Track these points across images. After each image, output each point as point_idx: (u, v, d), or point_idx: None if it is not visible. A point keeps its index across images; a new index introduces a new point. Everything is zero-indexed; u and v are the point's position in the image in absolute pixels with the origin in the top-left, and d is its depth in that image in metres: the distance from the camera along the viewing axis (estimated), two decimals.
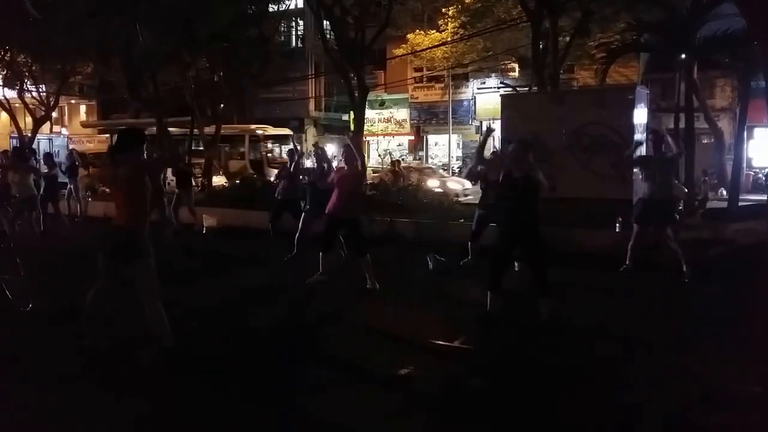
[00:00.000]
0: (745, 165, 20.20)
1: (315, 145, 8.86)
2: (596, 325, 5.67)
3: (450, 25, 22.01)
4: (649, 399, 4.01)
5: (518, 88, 21.95)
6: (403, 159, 29.35)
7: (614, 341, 5.24)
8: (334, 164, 8.29)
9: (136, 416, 3.84)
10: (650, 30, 14.39)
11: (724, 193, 17.06)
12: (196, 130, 19.81)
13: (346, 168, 7.01)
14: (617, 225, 8.90)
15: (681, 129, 13.55)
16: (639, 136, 9.89)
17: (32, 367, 4.63)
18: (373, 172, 22.46)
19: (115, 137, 4.62)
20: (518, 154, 5.51)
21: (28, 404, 4.01)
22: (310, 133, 30.72)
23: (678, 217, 7.87)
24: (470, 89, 28.17)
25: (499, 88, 24.32)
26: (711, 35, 13.14)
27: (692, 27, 12.71)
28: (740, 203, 11.66)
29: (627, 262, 7.55)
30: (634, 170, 8.48)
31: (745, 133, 12.97)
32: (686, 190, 9.08)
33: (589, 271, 7.78)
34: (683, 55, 13.69)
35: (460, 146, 29.05)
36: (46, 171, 11.56)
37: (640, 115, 10.11)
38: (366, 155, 26.10)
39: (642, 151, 9.71)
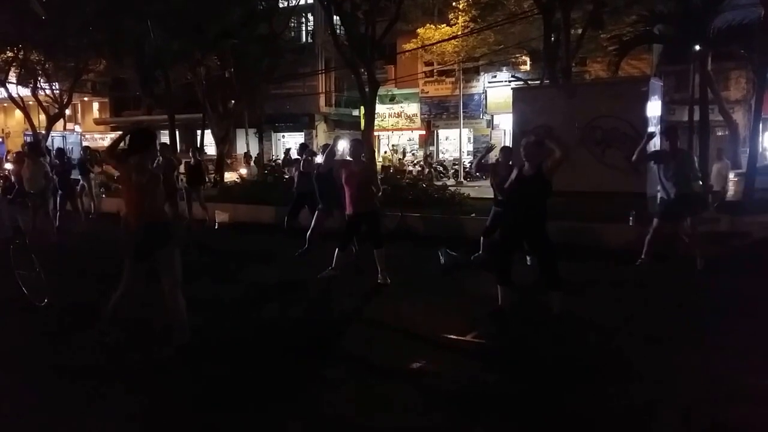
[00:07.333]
0: (759, 157, 19.92)
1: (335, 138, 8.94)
2: (610, 319, 5.62)
3: (460, 19, 21.87)
4: (664, 392, 3.98)
5: (530, 82, 21.81)
6: (413, 154, 29.35)
7: (628, 335, 5.20)
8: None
9: (150, 411, 3.87)
10: (663, 21, 14.23)
11: None
12: None
13: (353, 163, 6.99)
14: (631, 219, 8.83)
15: (695, 121, 13.40)
16: (652, 128, 9.81)
17: (47, 362, 4.69)
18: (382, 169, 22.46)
19: (128, 138, 4.70)
20: (531, 149, 5.37)
21: (43, 398, 4.05)
22: (321, 129, 30.75)
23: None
24: (481, 83, 28.01)
25: (510, 81, 24.14)
26: (725, 26, 12.98)
27: (706, 18, 12.57)
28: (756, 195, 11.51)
29: (643, 256, 7.48)
30: (649, 164, 8.40)
31: (761, 125, 12.79)
32: (701, 183, 8.97)
33: (603, 265, 7.73)
34: (697, 47, 13.53)
35: (471, 140, 28.91)
36: (57, 165, 11.59)
37: (654, 108, 10.01)
38: (376, 150, 26.14)
39: (656, 144, 9.64)
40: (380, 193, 7.47)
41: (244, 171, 21.33)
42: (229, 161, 25.96)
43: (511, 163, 7.44)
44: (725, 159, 13.63)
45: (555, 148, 5.22)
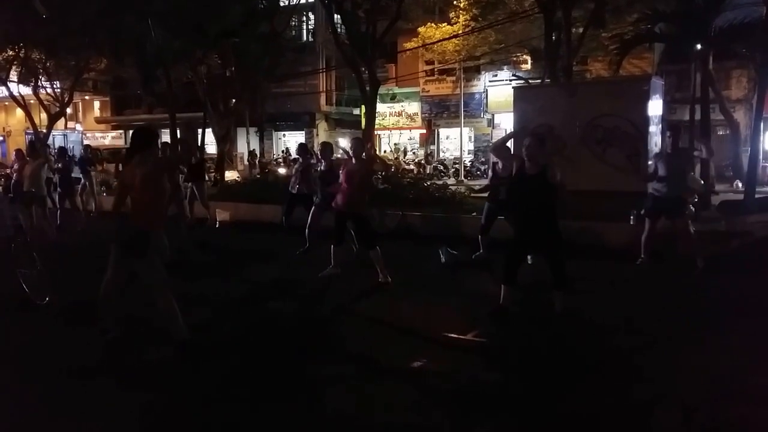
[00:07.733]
0: (761, 157, 19.92)
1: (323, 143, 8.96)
2: (610, 319, 5.63)
3: (461, 18, 21.88)
4: (665, 392, 3.98)
5: (530, 81, 21.79)
6: (414, 153, 29.36)
7: (628, 334, 5.20)
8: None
9: (150, 409, 3.87)
10: (665, 20, 14.22)
11: (740, 185, 16.85)
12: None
13: (354, 161, 6.99)
14: (631, 218, 8.83)
15: (696, 120, 13.40)
16: (653, 127, 9.81)
17: (48, 361, 4.70)
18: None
19: (129, 138, 4.74)
20: (533, 149, 5.33)
21: (44, 398, 4.06)
22: (321, 128, 30.77)
23: (693, 209, 7.79)
24: (482, 82, 28.02)
25: (511, 80, 24.16)
26: (727, 25, 12.97)
27: (708, 17, 12.55)
28: (756, 195, 11.50)
29: (642, 256, 7.49)
30: (649, 163, 8.41)
31: (762, 124, 12.79)
32: (702, 182, 8.97)
33: (604, 264, 7.72)
34: (699, 46, 13.53)
35: (472, 139, 28.92)
36: (59, 166, 11.60)
37: (655, 107, 10.00)
38: (378, 149, 26.16)
39: (657, 144, 9.65)
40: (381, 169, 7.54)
41: (283, 170, 21.21)
42: (263, 160, 26.04)
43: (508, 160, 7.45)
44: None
45: (556, 176, 5.23)
